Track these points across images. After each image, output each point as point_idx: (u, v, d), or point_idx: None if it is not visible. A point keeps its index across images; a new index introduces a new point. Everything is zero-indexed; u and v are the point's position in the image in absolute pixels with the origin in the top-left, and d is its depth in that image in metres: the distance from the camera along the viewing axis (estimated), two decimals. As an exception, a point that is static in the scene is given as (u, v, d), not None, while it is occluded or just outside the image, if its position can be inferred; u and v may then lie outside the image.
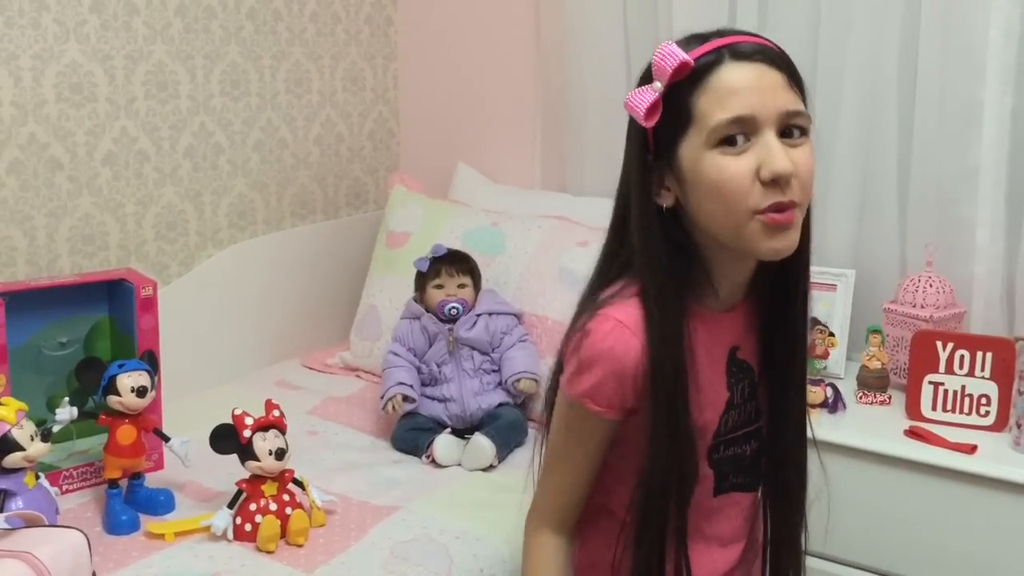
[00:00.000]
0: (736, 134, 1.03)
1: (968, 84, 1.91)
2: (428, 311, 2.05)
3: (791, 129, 1.06)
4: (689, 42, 1.08)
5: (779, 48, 1.09)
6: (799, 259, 1.13)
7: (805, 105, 1.08)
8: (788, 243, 1.06)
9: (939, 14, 1.92)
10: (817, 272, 2.07)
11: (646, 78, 1.09)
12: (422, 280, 2.09)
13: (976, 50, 1.89)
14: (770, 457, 1.25)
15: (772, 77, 1.05)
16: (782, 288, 1.18)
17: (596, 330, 1.11)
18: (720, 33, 1.09)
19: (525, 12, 2.52)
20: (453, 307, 2.02)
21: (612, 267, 1.18)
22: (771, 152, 1.03)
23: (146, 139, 2.14)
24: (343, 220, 2.65)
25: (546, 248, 2.18)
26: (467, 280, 2.08)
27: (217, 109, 2.29)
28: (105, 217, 2.09)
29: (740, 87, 1.04)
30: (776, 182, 1.03)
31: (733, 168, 1.03)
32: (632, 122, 1.11)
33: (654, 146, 1.10)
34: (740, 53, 1.05)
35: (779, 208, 1.04)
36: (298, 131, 2.51)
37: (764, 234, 1.05)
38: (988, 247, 1.94)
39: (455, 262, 2.08)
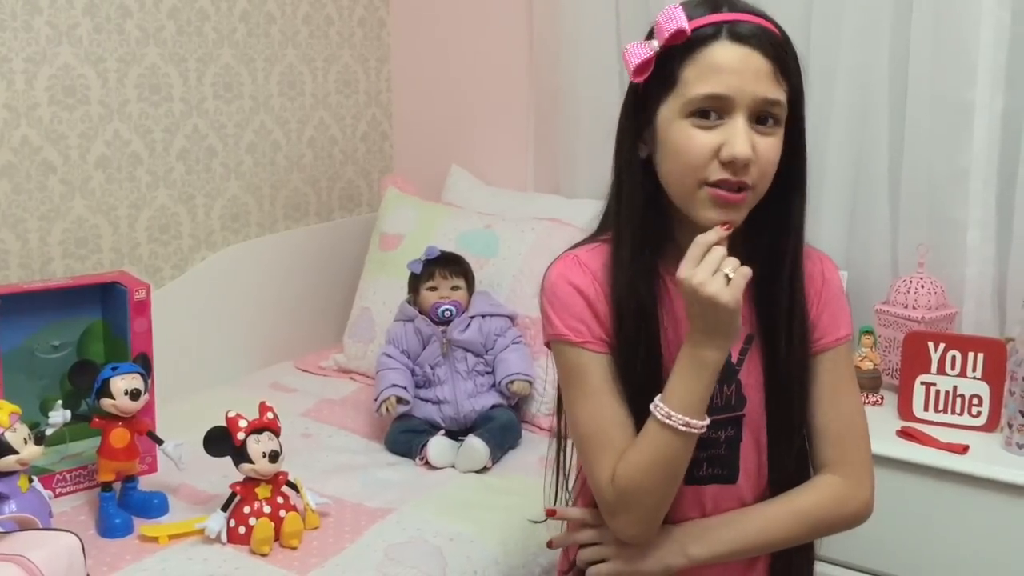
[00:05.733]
0: (710, 109, 1.08)
1: (959, 86, 1.91)
2: (421, 313, 2.06)
3: (765, 117, 1.09)
4: (696, 7, 1.11)
5: (781, 32, 1.12)
6: (788, 237, 1.16)
7: (795, 90, 1.12)
8: (730, 220, 1.10)
9: (930, 15, 1.93)
10: (809, 273, 2.08)
11: (650, 34, 1.13)
12: (415, 282, 2.09)
13: (967, 52, 1.89)
14: (772, 447, 1.21)
15: (759, 64, 1.08)
16: (772, 266, 1.17)
17: (553, 267, 1.21)
18: (731, 5, 1.11)
19: (518, 15, 2.52)
20: (446, 309, 2.02)
21: (599, 230, 1.25)
22: (736, 135, 1.07)
23: (139, 142, 2.14)
24: (336, 223, 2.65)
25: (539, 250, 2.18)
26: (460, 282, 2.08)
27: (210, 112, 2.29)
28: (98, 220, 2.08)
29: (726, 67, 1.07)
30: (733, 163, 1.07)
31: (699, 140, 1.08)
32: None
33: (642, 100, 1.14)
34: (737, 34, 1.08)
35: (728, 186, 1.08)
36: (291, 134, 2.51)
37: (709, 205, 1.09)
38: (979, 248, 1.95)
39: (448, 264, 2.08)
